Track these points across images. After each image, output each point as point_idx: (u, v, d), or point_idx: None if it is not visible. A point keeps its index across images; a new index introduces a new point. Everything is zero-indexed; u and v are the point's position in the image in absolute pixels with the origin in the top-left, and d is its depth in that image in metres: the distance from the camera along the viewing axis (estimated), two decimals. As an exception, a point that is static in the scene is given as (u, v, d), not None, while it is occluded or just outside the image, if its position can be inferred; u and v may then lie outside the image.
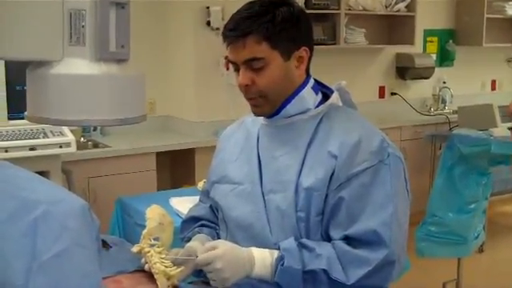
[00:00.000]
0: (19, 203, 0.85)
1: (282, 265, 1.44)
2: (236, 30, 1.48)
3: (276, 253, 1.47)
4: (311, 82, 1.59)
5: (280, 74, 1.50)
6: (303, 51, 1.53)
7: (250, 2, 1.54)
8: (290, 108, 1.54)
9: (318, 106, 1.57)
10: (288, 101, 1.54)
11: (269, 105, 1.53)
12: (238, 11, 1.53)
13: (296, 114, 1.55)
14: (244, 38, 1.47)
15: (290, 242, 1.47)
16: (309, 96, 1.56)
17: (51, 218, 0.85)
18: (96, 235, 0.93)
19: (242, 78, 1.50)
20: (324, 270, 1.42)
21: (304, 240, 1.47)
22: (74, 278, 0.85)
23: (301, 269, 1.43)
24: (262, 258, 1.46)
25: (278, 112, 1.55)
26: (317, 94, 1.58)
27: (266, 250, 1.48)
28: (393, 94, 5.67)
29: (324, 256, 1.44)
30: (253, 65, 1.49)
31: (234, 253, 1.46)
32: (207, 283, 1.54)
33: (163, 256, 1.53)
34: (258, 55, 1.48)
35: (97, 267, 0.91)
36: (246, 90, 1.52)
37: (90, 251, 0.89)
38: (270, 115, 1.57)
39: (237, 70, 1.53)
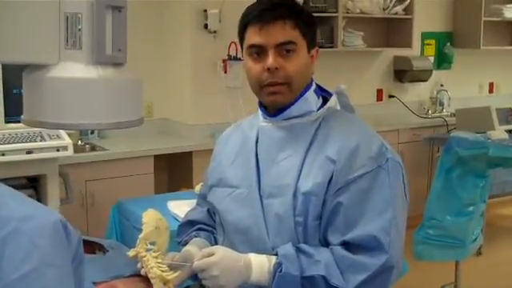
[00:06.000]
0: None
1: (280, 271, 1.43)
2: (271, 14, 1.49)
3: (274, 259, 1.46)
4: (314, 85, 1.59)
5: (304, 64, 1.53)
6: (315, 51, 1.58)
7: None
8: (294, 109, 1.54)
9: (318, 110, 1.57)
10: (293, 101, 1.54)
11: (290, 94, 1.52)
12: (257, 3, 1.54)
13: (297, 117, 1.55)
14: (281, 20, 1.49)
15: (287, 248, 1.46)
16: (312, 99, 1.56)
17: (20, 236, 0.82)
18: (75, 250, 0.90)
19: (273, 60, 1.49)
20: (323, 277, 1.41)
21: (302, 245, 1.47)
22: None
23: (299, 275, 1.42)
24: (260, 265, 1.46)
25: (281, 111, 1.55)
26: (318, 97, 1.59)
27: (264, 255, 1.48)
28: (390, 96, 5.68)
29: (322, 262, 1.43)
30: (287, 47, 1.49)
31: (231, 260, 1.46)
32: (204, 287, 1.54)
33: (159, 260, 1.52)
34: (294, 39, 1.50)
35: (67, 285, 0.87)
36: (274, 74, 1.50)
37: (61, 270, 0.85)
38: (272, 114, 1.56)
39: (257, 54, 1.51)
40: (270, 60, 1.49)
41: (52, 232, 0.86)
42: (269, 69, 1.49)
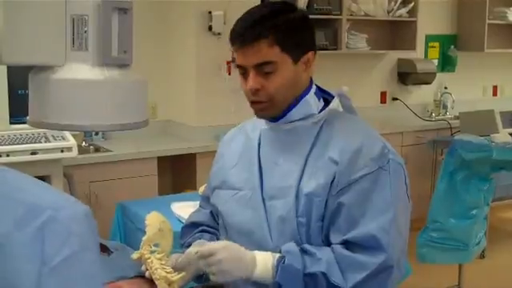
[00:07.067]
0: (25, 209, 0.85)
1: (284, 263, 1.43)
2: (247, 34, 1.47)
3: (278, 255, 1.47)
4: (313, 87, 1.59)
5: (289, 78, 1.51)
6: (310, 55, 1.54)
7: (257, 7, 1.54)
8: (295, 112, 1.54)
9: (319, 112, 1.57)
10: (293, 105, 1.54)
11: (274, 108, 1.53)
12: (245, 15, 1.52)
13: (299, 120, 1.55)
14: (257, 41, 1.47)
15: (290, 245, 1.47)
16: (312, 101, 1.56)
17: (57, 223, 0.86)
18: (96, 238, 0.95)
19: (253, 82, 1.49)
20: (323, 273, 1.42)
21: (305, 245, 1.47)
22: (82, 281, 0.87)
23: (301, 269, 1.43)
24: (264, 262, 1.46)
25: (282, 116, 1.55)
26: (319, 99, 1.59)
27: (269, 252, 1.48)
28: (394, 99, 5.68)
29: (324, 259, 1.43)
30: (264, 68, 1.48)
31: (237, 250, 1.47)
32: (208, 288, 1.55)
33: (163, 262, 1.53)
34: (270, 59, 1.48)
35: (100, 269, 0.93)
36: (255, 93, 1.51)
37: (94, 254, 0.90)
38: (273, 119, 1.57)
39: (243, 74, 1.52)
40: (250, 82, 1.50)
41: (84, 219, 0.90)
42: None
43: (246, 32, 1.48)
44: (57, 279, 0.84)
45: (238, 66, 1.53)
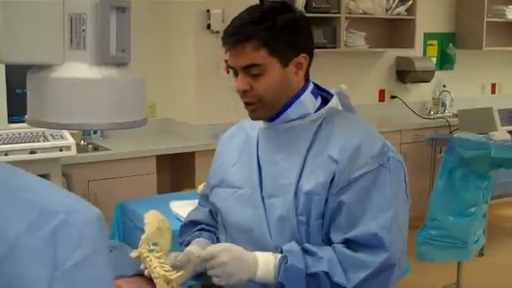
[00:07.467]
0: (38, 212, 0.85)
1: (286, 263, 1.44)
2: (235, 36, 1.49)
3: (279, 255, 1.47)
4: (310, 86, 1.59)
5: (277, 81, 1.50)
6: (302, 58, 1.53)
7: (251, 8, 1.54)
8: (291, 112, 1.54)
9: (317, 111, 1.56)
10: (288, 105, 1.54)
11: (265, 110, 1.54)
12: (238, 16, 1.53)
13: (296, 119, 1.55)
14: (243, 43, 1.47)
15: (292, 245, 1.47)
16: (308, 100, 1.56)
17: (70, 227, 0.85)
18: (107, 242, 0.94)
19: (241, 83, 1.51)
20: (326, 273, 1.42)
21: (306, 245, 1.47)
22: (94, 285, 0.86)
23: (303, 269, 1.43)
24: (266, 262, 1.46)
25: (278, 116, 1.55)
26: (316, 98, 1.58)
27: (270, 253, 1.49)
28: (393, 97, 5.68)
29: (325, 259, 1.44)
30: (251, 71, 1.49)
31: (239, 251, 1.47)
32: (207, 286, 1.54)
33: (162, 261, 1.53)
34: (257, 61, 1.48)
35: (112, 273, 0.93)
36: (244, 94, 1.52)
37: (106, 258, 0.90)
38: (269, 119, 1.57)
39: (236, 74, 1.54)
40: (238, 83, 1.51)
41: (96, 223, 0.90)
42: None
43: (234, 34, 1.49)
44: (68, 284, 0.83)
45: (230, 67, 1.55)
